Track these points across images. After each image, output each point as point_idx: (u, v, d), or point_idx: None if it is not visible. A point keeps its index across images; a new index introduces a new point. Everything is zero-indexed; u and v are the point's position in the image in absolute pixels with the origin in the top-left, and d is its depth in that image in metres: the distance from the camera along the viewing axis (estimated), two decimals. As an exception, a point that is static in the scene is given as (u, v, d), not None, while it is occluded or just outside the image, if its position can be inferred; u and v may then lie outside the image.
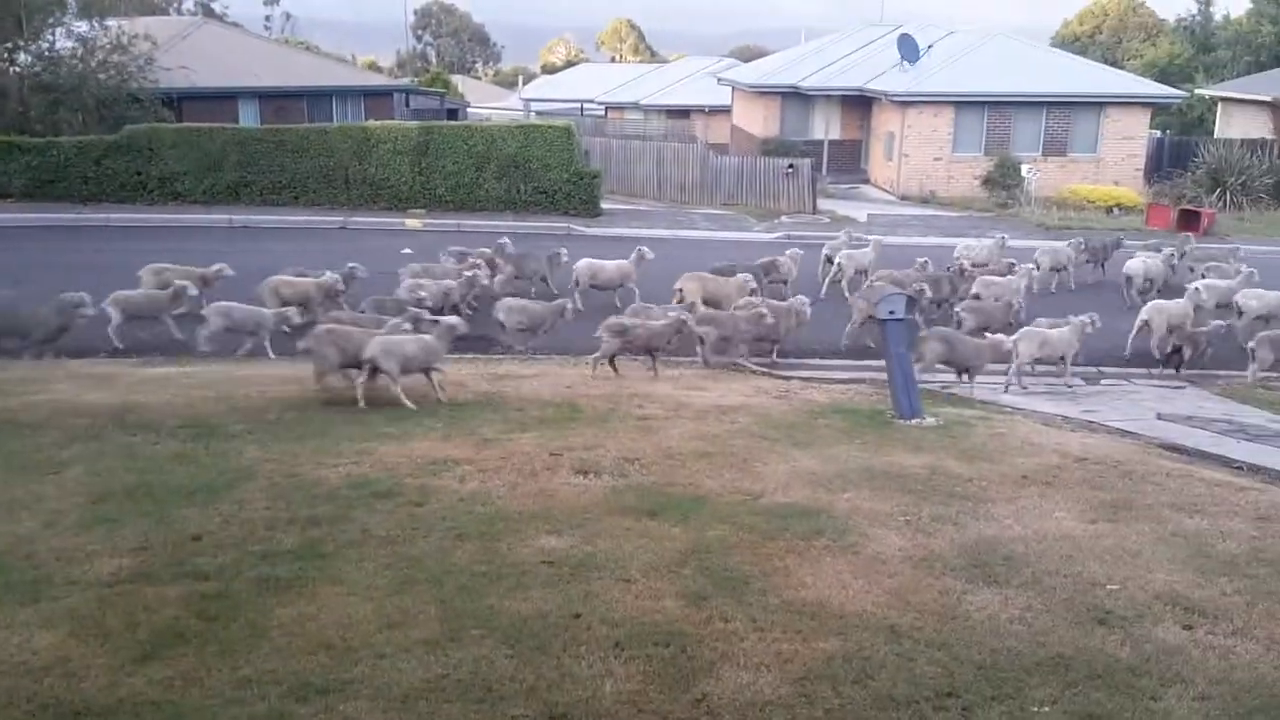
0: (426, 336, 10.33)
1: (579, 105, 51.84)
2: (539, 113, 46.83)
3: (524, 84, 68.73)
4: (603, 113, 51.29)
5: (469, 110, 48.21)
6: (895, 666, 4.93)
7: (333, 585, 5.67)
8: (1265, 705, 4.65)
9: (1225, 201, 28.63)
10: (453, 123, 31.15)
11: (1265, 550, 6.55)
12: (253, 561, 5.94)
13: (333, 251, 20.53)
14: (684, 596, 5.60)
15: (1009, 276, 16.31)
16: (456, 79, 68.02)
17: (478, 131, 27.17)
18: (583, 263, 16.54)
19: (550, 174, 26.35)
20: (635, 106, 49.83)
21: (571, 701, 4.57)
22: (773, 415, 10.09)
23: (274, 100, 32.36)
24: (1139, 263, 18.23)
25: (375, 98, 36.21)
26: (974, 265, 17.60)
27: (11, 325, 12.52)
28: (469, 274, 15.36)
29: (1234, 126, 39.14)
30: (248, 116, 31.38)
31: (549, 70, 80.00)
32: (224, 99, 31.07)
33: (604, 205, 27.38)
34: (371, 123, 27.94)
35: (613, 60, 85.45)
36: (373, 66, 70.08)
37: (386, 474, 7.50)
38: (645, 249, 16.74)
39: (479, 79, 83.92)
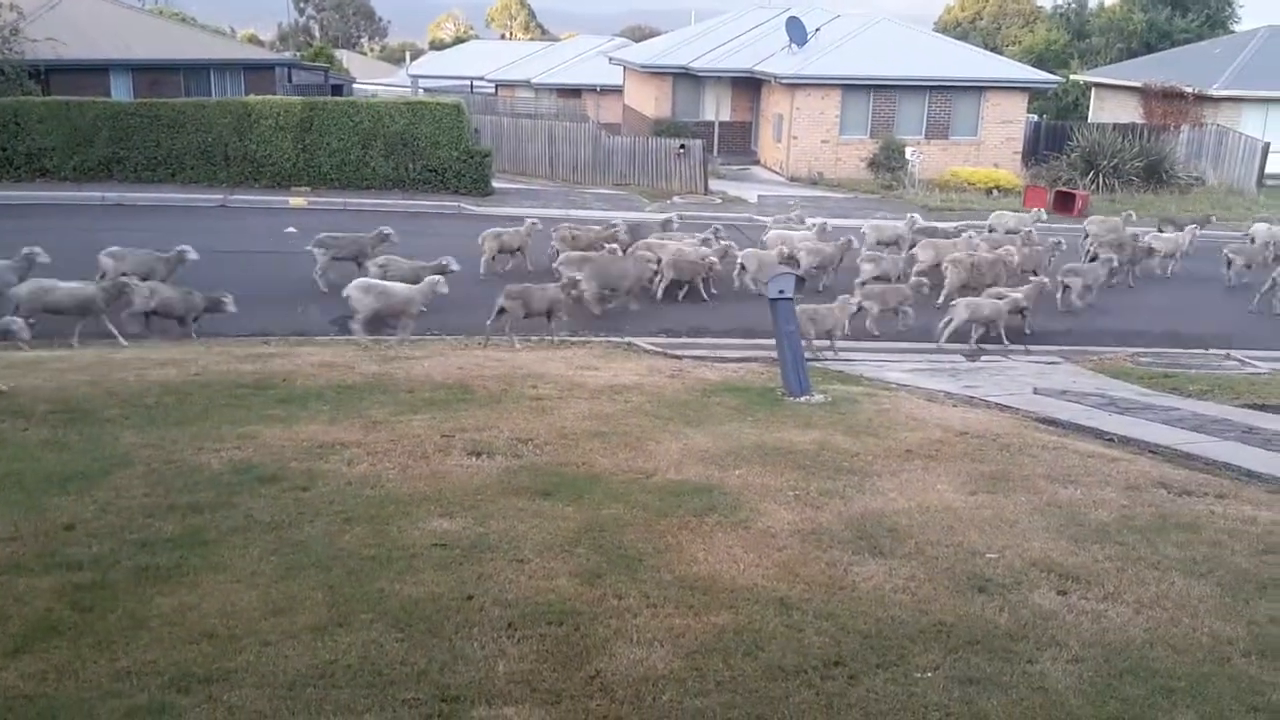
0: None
1: (469, 83, 51.18)
2: (428, 90, 45.98)
3: (412, 60, 67.48)
4: (493, 91, 50.73)
5: (355, 86, 47.12)
6: (784, 638, 5.02)
7: (215, 573, 5.51)
8: (1135, 666, 4.87)
9: (1098, 184, 29.73)
10: (338, 99, 30.38)
11: (1134, 518, 6.86)
12: (131, 550, 5.73)
13: (212, 230, 19.90)
14: (578, 575, 5.61)
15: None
16: (341, 54, 66.43)
17: (364, 108, 26.57)
18: (490, 231, 17.20)
19: (440, 152, 25.96)
20: (526, 85, 49.37)
21: (464, 683, 4.54)
22: (666, 394, 10.15)
23: (148, 74, 31.10)
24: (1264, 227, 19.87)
25: (256, 72, 35.08)
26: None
27: None
28: None
29: (1107, 111, 40.72)
30: (120, 90, 30.10)
31: (438, 47, 78.62)
32: (95, 72, 29.75)
33: (495, 184, 27.12)
34: (252, 98, 27.07)
35: (503, 38, 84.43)
36: (253, 40, 67.87)
37: (271, 458, 7.32)
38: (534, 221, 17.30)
39: (365, 54, 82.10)
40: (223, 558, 5.70)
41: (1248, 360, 14.21)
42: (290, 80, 37.87)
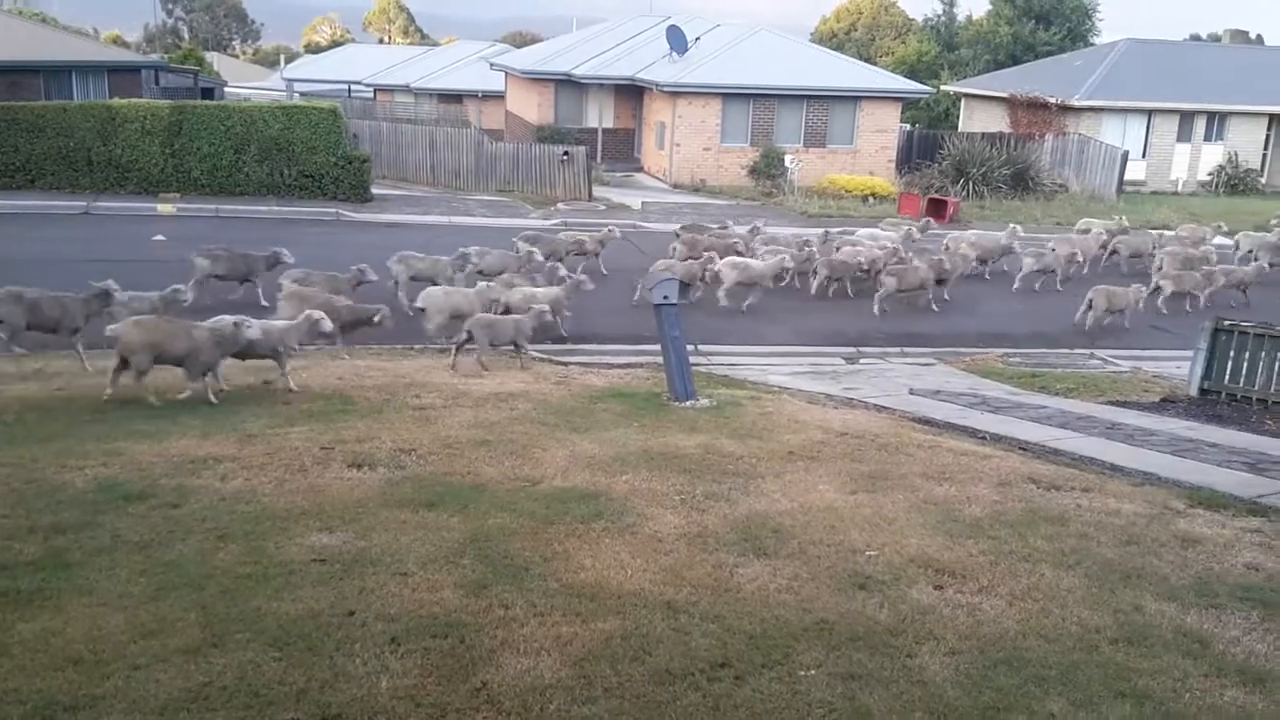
0: None
1: (346, 87, 50.22)
2: (303, 94, 44.94)
3: (286, 63, 65.83)
4: (371, 95, 49.90)
5: (226, 90, 45.81)
6: (672, 641, 5.04)
7: (81, 596, 5.26)
8: (1008, 657, 5.03)
9: (968, 191, 30.78)
10: (209, 102, 29.50)
11: (1006, 513, 7.10)
12: (-14, 576, 5.43)
13: (74, 238, 19.07)
14: (463, 586, 5.53)
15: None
16: (212, 57, 64.52)
17: (236, 112, 25.84)
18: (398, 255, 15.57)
19: (316, 157, 25.40)
20: (406, 89, 48.68)
21: (345, 701, 4.43)
22: (552, 401, 10.11)
23: (6, 76, 29.75)
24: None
25: (121, 74, 33.73)
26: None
27: None
28: None
29: (976, 121, 42.21)
30: (-27, 92, 28.64)
31: (313, 50, 76.90)
32: (-55, 72, 28.28)
33: (375, 190, 26.68)
34: (117, 101, 26.02)
35: (381, 41, 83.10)
36: (117, 41, 65.34)
37: (139, 475, 7.03)
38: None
39: (237, 57, 79.89)
40: (88, 580, 5.44)
41: (1110, 359, 14.88)
42: (158, 83, 36.57)
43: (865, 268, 17.85)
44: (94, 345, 10.90)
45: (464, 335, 11.89)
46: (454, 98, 47.09)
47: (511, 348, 12.17)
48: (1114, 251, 21.33)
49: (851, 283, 17.95)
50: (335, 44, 75.96)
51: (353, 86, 50.59)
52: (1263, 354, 11.47)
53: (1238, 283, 18.47)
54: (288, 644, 4.87)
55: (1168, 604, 5.67)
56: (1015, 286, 18.99)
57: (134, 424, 8.41)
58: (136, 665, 4.63)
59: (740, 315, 16.06)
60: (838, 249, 18.67)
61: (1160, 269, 18.71)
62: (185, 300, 13.02)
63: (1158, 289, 17.99)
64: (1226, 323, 12.02)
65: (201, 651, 4.77)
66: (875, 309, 16.56)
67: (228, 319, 9.88)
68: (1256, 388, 11.47)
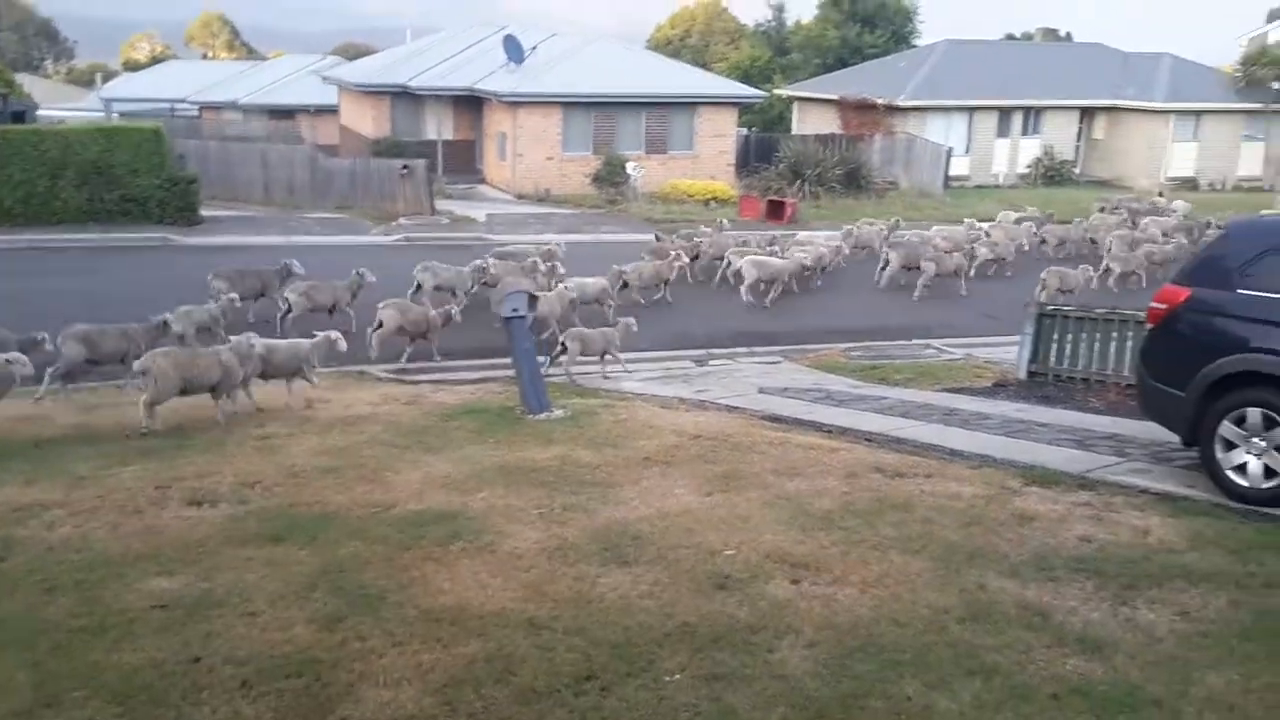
0: None
1: (169, 105, 48.15)
2: (123, 114, 42.85)
3: (104, 82, 62.76)
4: (197, 113, 48.04)
5: (39, 112, 43.24)
6: (536, 659, 4.99)
7: (-108, 667, 4.86)
8: (864, 644, 5.17)
9: (805, 192, 31.67)
10: (19, 126, 27.82)
11: (855, 504, 7.30)
12: None
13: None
14: (316, 621, 5.35)
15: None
16: (22, 78, 60.76)
17: (50, 135, 24.44)
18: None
19: (139, 180, 24.25)
20: (234, 106, 47.08)
21: (195, 752, 4.22)
22: (402, 422, 9.91)
23: None
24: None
25: (-82, 99, 31.56)
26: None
27: None
28: None
29: (809, 123, 43.49)
30: None
31: (132, 67, 73.47)
32: None
33: (205, 212, 25.67)
34: (-85, 127, 24.36)
35: (205, 57, 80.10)
36: (-87, 63, 60.99)
37: (-44, 529, 6.56)
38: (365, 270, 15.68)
39: (50, 78, 75.65)
40: (-100, 648, 5.04)
41: (944, 348, 15.52)
42: (-40, 107, 34.27)
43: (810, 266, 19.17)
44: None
45: (560, 347, 12.89)
46: (285, 113, 45.75)
47: (598, 358, 13.14)
48: (1043, 240, 23.15)
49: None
50: (156, 61, 72.81)
51: (176, 105, 48.58)
52: (1084, 336, 12.15)
53: (1160, 261, 20.20)
54: (129, 697, 4.61)
55: (1009, 580, 5.93)
56: (969, 273, 20.06)
57: (-52, 474, 7.84)
58: (-40, 735, 4.31)
59: (600, 326, 16.12)
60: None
61: (1110, 250, 20.44)
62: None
63: (1108, 270, 19.53)
64: (1049, 308, 12.68)
65: (34, 713, 4.47)
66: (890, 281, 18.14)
67: (245, 339, 10.29)
68: (1080, 368, 12.14)
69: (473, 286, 16.32)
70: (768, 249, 19.95)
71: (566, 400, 10.98)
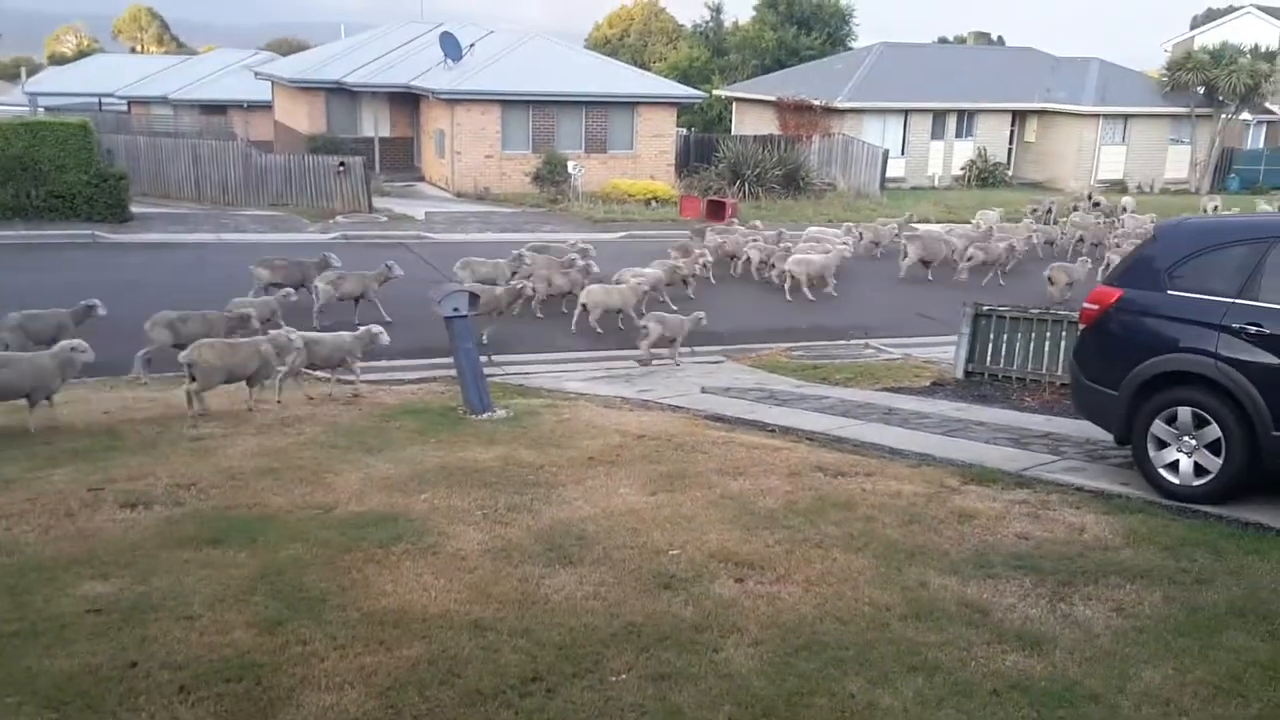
0: None
1: (98, 100, 47.11)
2: (49, 108, 41.75)
3: (29, 76, 61.09)
4: (126, 108, 47.01)
5: (-40, 106, 42.03)
6: (481, 660, 4.95)
7: None
8: (808, 642, 5.21)
9: (744, 192, 31.84)
10: (-61, 119, 26.97)
11: (798, 502, 7.36)
12: None
13: None
14: (255, 625, 5.25)
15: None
16: (-59, 70, 59.02)
17: (-27, 130, 23.76)
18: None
19: (66, 176, 23.65)
20: (164, 101, 46.11)
21: (132, 762, 4.12)
22: (342, 423, 9.78)
23: None
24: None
25: None
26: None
27: None
28: None
29: (748, 124, 43.76)
30: None
31: (58, 61, 71.76)
32: None
33: (135, 209, 25.12)
34: None
35: (134, 51, 78.39)
36: None
37: (-124, 535, 6.33)
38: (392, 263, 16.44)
39: (-30, 70, 73.46)
40: None
41: (883, 347, 15.71)
42: (-124, 98, 33.17)
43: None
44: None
45: (643, 330, 14.06)
46: (218, 109, 44.96)
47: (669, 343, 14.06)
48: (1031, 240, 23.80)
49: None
50: (83, 54, 71.15)
51: (105, 99, 47.52)
52: (1019, 336, 12.37)
53: None
54: (64, 704, 4.49)
55: (949, 578, 6.02)
56: (962, 278, 20.61)
57: None
58: (-118, 749, 4.16)
59: (536, 321, 16.09)
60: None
61: (1118, 246, 21.03)
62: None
63: (1109, 264, 20.02)
64: (985, 308, 12.89)
65: (-40, 725, 4.33)
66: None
67: (285, 332, 10.90)
68: (1015, 367, 12.36)
69: (511, 278, 16.76)
70: (780, 246, 20.58)
71: (509, 400, 10.92)
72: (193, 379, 9.92)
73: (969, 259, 20.77)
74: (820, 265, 19.03)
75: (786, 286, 18.73)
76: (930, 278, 20.91)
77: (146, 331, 12.14)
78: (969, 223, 26.22)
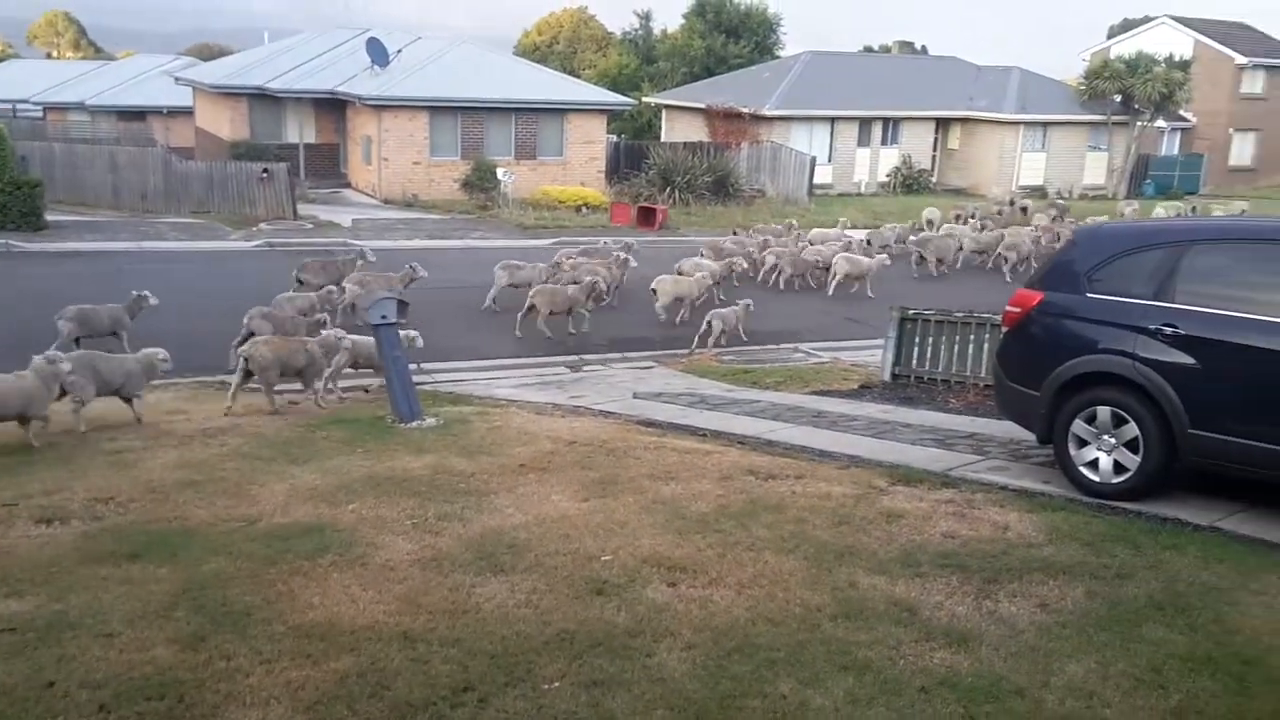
0: None
1: (11, 106, 45.76)
2: (-41, 114, 40.56)
3: (-63, 81, 59.11)
4: (41, 114, 45.75)
5: None
6: (411, 672, 4.88)
7: None
8: (740, 645, 5.22)
9: (674, 198, 31.98)
10: None
11: (729, 506, 7.38)
12: None
13: None
14: (177, 641, 5.12)
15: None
16: None
17: (-123, 135, 22.93)
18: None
19: (-22, 184, 22.94)
20: (81, 107, 45.01)
21: (47, 785, 3.99)
22: (267, 433, 9.59)
23: None
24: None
25: None
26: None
27: None
28: None
29: (678, 131, 43.96)
30: None
31: (-31, 65, 69.44)
32: None
33: (50, 217, 24.44)
34: None
35: (49, 56, 76.36)
36: None
37: None
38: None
39: (-125, 74, 70.78)
40: None
41: (812, 351, 15.87)
42: None
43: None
44: None
45: (705, 326, 15.40)
46: (137, 115, 43.99)
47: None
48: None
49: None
50: (-5, 58, 69.01)
51: (18, 105, 46.20)
52: (943, 339, 12.57)
53: None
54: (-27, 730, 4.34)
55: (878, 577, 6.08)
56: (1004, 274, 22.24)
57: None
58: None
59: (468, 328, 15.97)
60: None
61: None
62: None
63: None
64: (911, 311, 13.09)
65: None
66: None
67: (334, 333, 11.74)
68: (940, 370, 12.56)
69: (547, 280, 17.10)
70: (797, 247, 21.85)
71: (439, 408, 10.81)
72: (246, 375, 10.62)
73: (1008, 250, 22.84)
74: (866, 267, 20.23)
75: (832, 284, 20.04)
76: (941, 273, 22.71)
77: (246, 324, 12.81)
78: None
